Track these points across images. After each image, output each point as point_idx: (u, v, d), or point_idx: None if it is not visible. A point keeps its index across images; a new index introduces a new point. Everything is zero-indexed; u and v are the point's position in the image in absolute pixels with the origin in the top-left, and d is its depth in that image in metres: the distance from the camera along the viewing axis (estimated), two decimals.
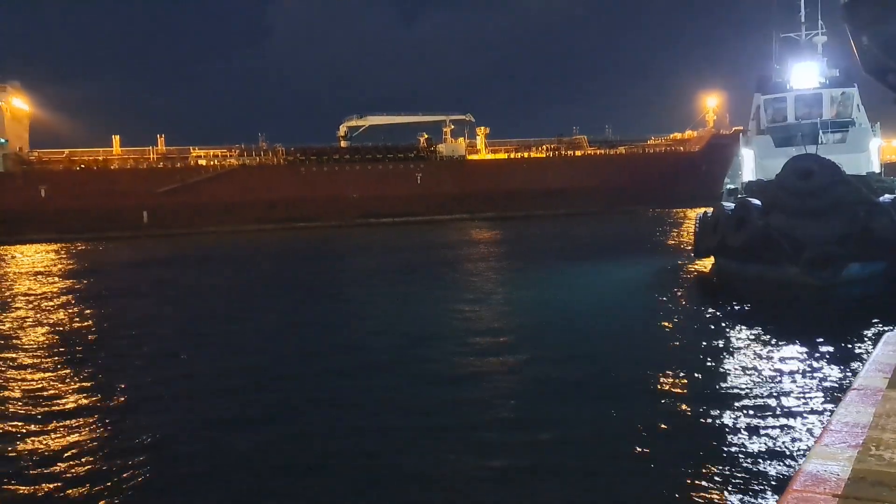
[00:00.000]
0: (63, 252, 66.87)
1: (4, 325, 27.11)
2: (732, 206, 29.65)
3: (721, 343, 19.93)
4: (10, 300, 33.85)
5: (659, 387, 15.77)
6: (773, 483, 10.45)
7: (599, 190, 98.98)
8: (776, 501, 4.36)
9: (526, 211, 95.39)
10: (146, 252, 63.61)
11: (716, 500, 10.17)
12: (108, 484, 11.47)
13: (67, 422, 14.75)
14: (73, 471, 12.08)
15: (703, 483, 10.70)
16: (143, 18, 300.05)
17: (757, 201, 27.96)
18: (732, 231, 28.24)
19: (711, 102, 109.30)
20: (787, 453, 11.62)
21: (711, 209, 32.18)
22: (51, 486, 11.45)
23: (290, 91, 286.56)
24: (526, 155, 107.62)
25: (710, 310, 24.88)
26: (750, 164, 33.50)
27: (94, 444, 13.41)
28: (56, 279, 42.76)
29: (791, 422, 13.09)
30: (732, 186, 34.87)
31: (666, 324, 23.04)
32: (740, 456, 11.62)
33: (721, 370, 17.04)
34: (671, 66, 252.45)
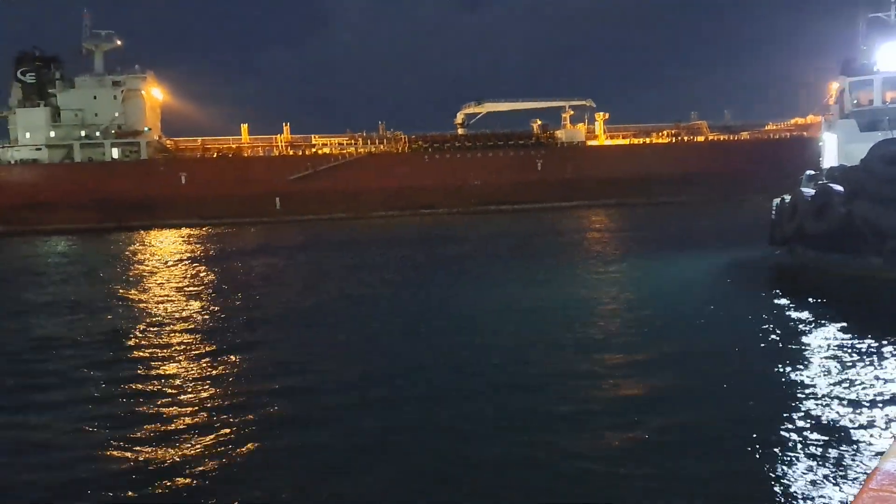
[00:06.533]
0: (209, 236, 71.92)
1: (165, 300, 30.72)
2: (812, 192, 28.81)
3: (798, 337, 19.73)
4: (190, 276, 37.88)
5: (737, 381, 15.97)
6: (850, 480, 10.52)
7: (721, 176, 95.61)
8: (852, 499, 4.71)
9: (647, 198, 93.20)
10: (285, 236, 66.89)
11: (793, 495, 10.30)
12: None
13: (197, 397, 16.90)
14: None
15: (781, 477, 10.85)
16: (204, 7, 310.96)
17: (839, 187, 26.83)
18: (812, 218, 27.21)
19: (836, 86, 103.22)
20: (865, 451, 11.60)
21: (789, 195, 31.25)
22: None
23: (382, 78, 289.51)
24: (646, 141, 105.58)
25: (788, 301, 24.66)
26: (832, 150, 31.87)
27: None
28: (230, 259, 47.44)
29: (869, 419, 13.01)
30: (812, 172, 33.53)
31: (745, 316, 22.86)
32: (817, 451, 11.65)
33: (798, 365, 16.92)
34: (785, 48, 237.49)
